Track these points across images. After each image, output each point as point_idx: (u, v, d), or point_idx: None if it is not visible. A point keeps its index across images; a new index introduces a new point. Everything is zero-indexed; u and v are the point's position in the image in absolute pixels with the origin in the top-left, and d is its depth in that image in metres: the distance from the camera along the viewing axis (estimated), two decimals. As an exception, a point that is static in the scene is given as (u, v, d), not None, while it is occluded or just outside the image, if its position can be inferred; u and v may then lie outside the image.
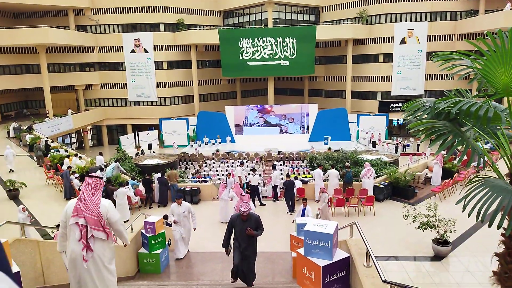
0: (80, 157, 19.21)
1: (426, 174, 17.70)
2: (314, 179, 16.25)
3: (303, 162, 25.10)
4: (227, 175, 17.26)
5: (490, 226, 4.13)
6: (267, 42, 37.88)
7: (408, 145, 28.87)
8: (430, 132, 4.87)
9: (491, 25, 32.07)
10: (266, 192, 17.79)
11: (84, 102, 42.10)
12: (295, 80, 49.83)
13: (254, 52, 38.17)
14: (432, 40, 39.02)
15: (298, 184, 16.00)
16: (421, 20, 39.84)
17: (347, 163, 17.01)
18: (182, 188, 16.02)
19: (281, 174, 19.45)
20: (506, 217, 4.26)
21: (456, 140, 4.73)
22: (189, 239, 10.03)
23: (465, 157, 18.09)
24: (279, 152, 28.49)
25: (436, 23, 40.05)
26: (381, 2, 40.67)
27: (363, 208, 14.16)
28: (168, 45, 41.37)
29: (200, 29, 42.58)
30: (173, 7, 41.49)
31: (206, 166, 26.04)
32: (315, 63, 41.07)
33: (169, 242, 9.74)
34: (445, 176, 17.00)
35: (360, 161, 18.81)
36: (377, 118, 34.53)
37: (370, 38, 41.72)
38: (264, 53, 38.19)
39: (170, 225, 9.96)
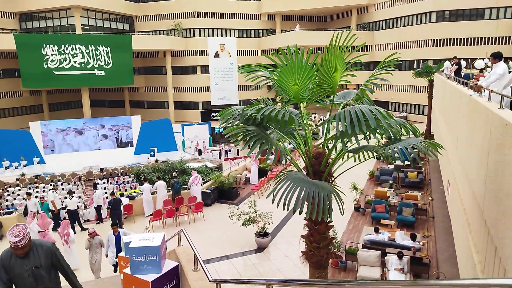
0: None
1: (246, 175, 19.46)
2: (142, 194, 15.69)
3: (129, 177, 23.88)
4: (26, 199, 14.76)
5: (294, 212, 4.85)
6: (76, 50, 34.46)
7: (229, 150, 31.15)
8: (242, 136, 5.37)
9: (286, 42, 37.89)
10: (89, 215, 16.12)
11: None
12: (114, 91, 47.00)
13: (62, 60, 34.14)
14: (242, 55, 43.32)
15: (125, 201, 15.10)
16: (230, 36, 43.74)
17: (174, 173, 17.08)
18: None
19: (106, 192, 17.99)
20: (306, 203, 5.09)
21: (263, 142, 5.35)
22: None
23: (271, 156, 20.76)
24: (101, 169, 26.32)
25: (243, 39, 44.72)
26: (194, 17, 42.74)
27: (193, 215, 14.47)
28: None
29: (-13, 31, 35.38)
30: None
31: (8, 194, 21.71)
32: (134, 74, 39.77)
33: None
34: (261, 175, 19.08)
35: (187, 170, 19.19)
36: (200, 127, 35.94)
37: (187, 50, 43.25)
38: (74, 62, 34.61)
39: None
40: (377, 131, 5.13)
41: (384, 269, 9.32)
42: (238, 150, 30.60)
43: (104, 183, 23.01)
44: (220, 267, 10.76)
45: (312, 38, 39.69)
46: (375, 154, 5.78)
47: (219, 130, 37.56)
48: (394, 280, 8.48)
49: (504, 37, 30.80)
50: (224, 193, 16.81)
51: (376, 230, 10.87)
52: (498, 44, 30.74)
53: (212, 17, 43.38)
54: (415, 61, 35.98)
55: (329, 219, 5.77)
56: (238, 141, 5.32)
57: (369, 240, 10.48)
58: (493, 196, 5.63)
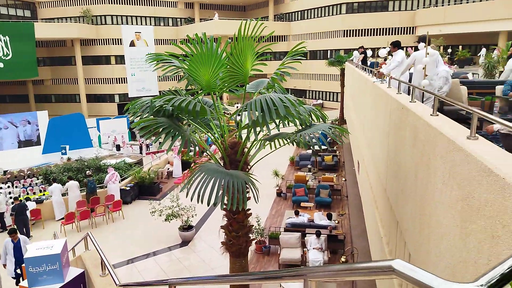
0: None
1: (168, 168, 18.92)
2: (52, 196, 14.36)
3: (37, 179, 21.72)
4: None
5: (208, 205, 4.78)
6: (-35, 39, 30.16)
7: (151, 144, 29.97)
8: (154, 129, 5.12)
9: (205, 31, 37.20)
10: (-11, 224, 14.34)
11: None
12: (15, 84, 42.14)
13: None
14: (159, 44, 41.68)
15: (31, 205, 13.69)
16: (146, 24, 41.76)
17: (88, 172, 15.92)
18: None
19: (11, 197, 16.15)
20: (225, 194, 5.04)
21: (175, 134, 5.16)
22: None
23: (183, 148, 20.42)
24: (5, 172, 23.57)
25: (160, 27, 42.99)
26: (106, 3, 39.92)
27: (112, 214, 13.67)
28: None
29: None
30: None
31: None
32: (38, 65, 36.04)
33: None
34: (184, 167, 18.68)
35: (103, 167, 18.02)
36: (118, 121, 33.93)
37: (99, 39, 40.34)
38: (-35, 52, 30.30)
39: None
40: (288, 118, 5.26)
41: (304, 249, 9.77)
42: (160, 143, 29.61)
43: (8, 187, 20.65)
44: (144, 265, 10.36)
45: (232, 27, 39.58)
46: (288, 140, 5.92)
47: (139, 123, 35.85)
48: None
49: (405, 28, 33.89)
50: (145, 189, 16.15)
51: (296, 213, 11.33)
52: (401, 34, 33.73)
53: (125, 4, 40.92)
54: (328, 50, 37.96)
55: (246, 208, 5.84)
56: (149, 135, 5.07)
57: (290, 223, 10.90)
58: (393, 175, 6.16)
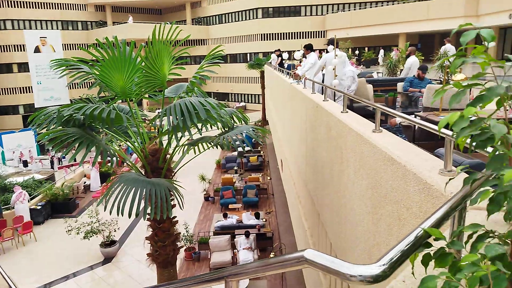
0: None
1: (85, 182, 17.62)
2: None
3: None
4: None
5: (129, 216, 4.54)
6: None
7: (64, 157, 27.65)
8: (64, 140, 4.72)
9: (121, 35, 35.55)
10: None
11: None
12: None
13: None
14: (68, 49, 38.69)
15: None
16: (53, 28, 38.50)
17: (-10, 193, 14.16)
18: None
19: None
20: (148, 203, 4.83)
21: (88, 145, 4.82)
22: None
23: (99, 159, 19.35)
24: None
25: (69, 31, 39.96)
26: (5, 6, 36.00)
27: (22, 237, 12.30)
28: None
29: None
30: None
31: None
32: None
33: None
34: (104, 179, 17.52)
35: (9, 186, 16.16)
36: (23, 134, 30.69)
37: (-3, 45, 36.24)
38: None
39: None
40: (210, 122, 5.24)
41: (235, 250, 9.81)
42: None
43: None
44: (62, 289, 9.52)
45: (147, 31, 38.16)
46: (212, 144, 5.88)
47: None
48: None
49: (317, 31, 35.95)
50: (59, 206, 14.81)
51: (225, 216, 11.34)
52: (313, 37, 35.68)
53: (29, 7, 37.27)
54: (248, 54, 38.72)
55: (172, 215, 5.68)
56: (58, 147, 4.66)
57: (219, 226, 10.87)
58: (312, 169, 6.49)
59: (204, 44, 42.20)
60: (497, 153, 0.89)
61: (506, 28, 22.28)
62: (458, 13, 23.28)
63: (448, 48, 10.43)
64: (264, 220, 11.47)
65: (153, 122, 5.93)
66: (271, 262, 1.17)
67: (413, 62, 8.39)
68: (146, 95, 6.23)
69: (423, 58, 10.34)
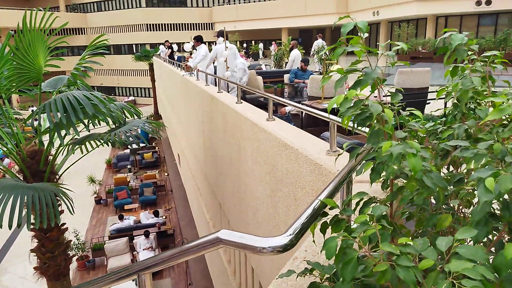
0: None
1: None
2: None
3: None
4: None
5: (10, 228, 4.00)
6: None
7: None
8: None
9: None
10: None
11: None
12: None
13: None
14: None
15: None
16: None
17: None
18: None
19: None
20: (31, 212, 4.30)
21: None
22: None
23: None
24: None
25: None
26: None
27: None
28: None
29: None
30: None
31: None
32: None
33: None
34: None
35: None
36: None
37: None
38: None
39: None
40: (98, 117, 4.88)
41: (134, 252, 9.40)
42: None
43: None
44: None
45: (14, 18, 33.16)
46: (102, 141, 5.50)
47: None
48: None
49: (205, 23, 35.86)
50: None
51: (121, 218, 10.74)
52: (201, 29, 35.51)
53: None
54: (133, 45, 36.70)
55: (60, 222, 5.16)
56: None
57: (115, 229, 10.27)
58: (211, 160, 6.57)
59: (82, 34, 38.57)
60: (375, 129, 1.07)
61: (371, 24, 25.52)
62: (331, 10, 25.81)
63: (320, 43, 11.54)
64: (164, 217, 11.21)
65: (29, 121, 5.27)
66: (187, 248, 1.20)
67: (296, 55, 9.04)
68: (17, 91, 5.51)
69: (304, 51, 11.23)
